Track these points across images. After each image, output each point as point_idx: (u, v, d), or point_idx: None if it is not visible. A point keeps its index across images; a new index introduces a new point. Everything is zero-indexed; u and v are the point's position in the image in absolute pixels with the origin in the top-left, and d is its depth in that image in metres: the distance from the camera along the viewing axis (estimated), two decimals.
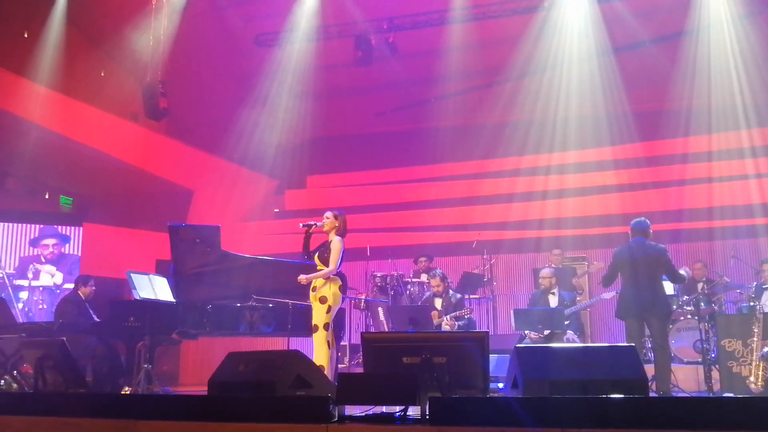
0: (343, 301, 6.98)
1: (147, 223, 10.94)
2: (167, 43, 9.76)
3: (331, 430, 3.82)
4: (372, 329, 9.39)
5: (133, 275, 7.18)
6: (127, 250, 10.80)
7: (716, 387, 6.98)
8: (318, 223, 6.79)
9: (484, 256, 9.80)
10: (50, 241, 10.59)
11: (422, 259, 9.87)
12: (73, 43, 9.71)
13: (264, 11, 10.64)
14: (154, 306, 7.07)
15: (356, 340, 9.19)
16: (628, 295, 6.79)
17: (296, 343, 7.91)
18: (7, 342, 6.99)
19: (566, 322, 7.92)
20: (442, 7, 10.05)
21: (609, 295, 8.10)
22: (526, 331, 7.84)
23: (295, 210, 12.21)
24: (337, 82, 11.25)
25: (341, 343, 8.38)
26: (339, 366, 7.79)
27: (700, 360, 7.40)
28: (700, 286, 8.61)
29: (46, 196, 10.68)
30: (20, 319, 9.33)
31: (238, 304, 7.47)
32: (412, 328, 7.89)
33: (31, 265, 10.41)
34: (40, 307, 10.11)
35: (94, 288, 8.22)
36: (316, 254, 6.72)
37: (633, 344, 5.38)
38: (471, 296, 9.35)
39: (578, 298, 8.94)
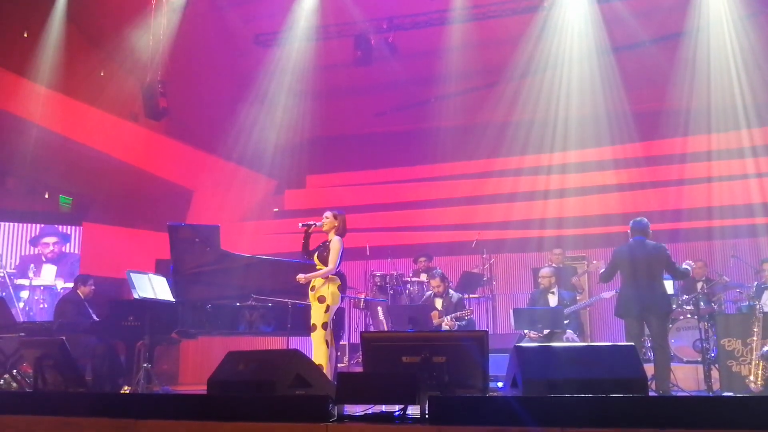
0: (342, 301, 6.98)
1: (146, 223, 10.94)
2: (167, 43, 9.76)
3: (330, 430, 3.82)
4: (371, 329, 9.39)
5: (132, 275, 7.18)
6: (126, 249, 10.80)
7: (716, 386, 6.98)
8: (317, 223, 6.79)
9: (484, 256, 9.80)
10: (51, 240, 10.58)
11: (422, 258, 9.87)
12: (72, 43, 9.71)
13: (264, 11, 10.65)
14: (153, 305, 7.07)
15: (356, 339, 9.19)
16: (628, 294, 6.79)
17: (296, 343, 7.90)
18: (7, 341, 6.99)
19: (566, 322, 7.92)
20: (442, 6, 10.06)
21: (608, 294, 8.10)
22: (526, 331, 7.84)
23: (295, 210, 12.22)
24: (337, 82, 11.26)
25: (340, 343, 8.39)
26: (338, 365, 7.80)
27: (699, 359, 7.40)
28: (699, 285, 8.61)
29: (46, 196, 10.68)
30: (21, 319, 9.33)
31: (238, 304, 7.47)
32: (412, 328, 7.89)
33: (32, 264, 10.41)
34: (41, 306, 10.10)
35: (93, 287, 8.21)
36: (316, 254, 6.72)
37: (632, 343, 5.38)
38: (470, 296, 9.35)
39: (578, 297, 8.93)
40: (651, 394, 5.63)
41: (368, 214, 11.66)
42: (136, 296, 7.06)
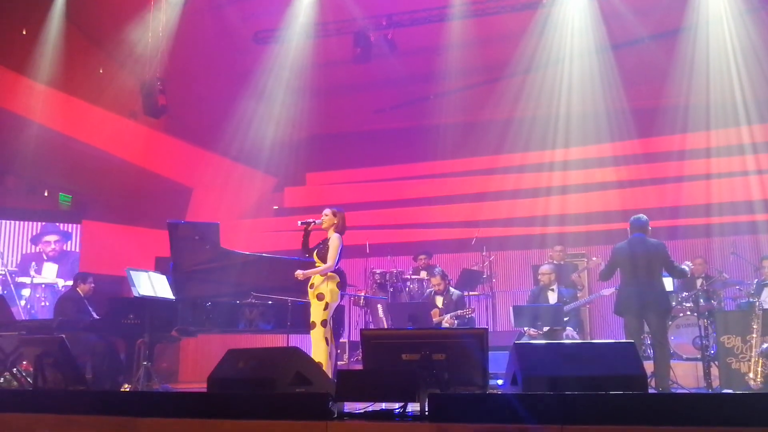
0: (342, 298, 6.98)
1: (146, 221, 10.93)
2: (166, 41, 9.74)
3: (330, 427, 3.82)
4: (371, 326, 9.39)
5: (132, 272, 7.18)
6: (126, 247, 10.80)
7: (715, 383, 7.00)
8: (317, 221, 6.79)
9: (484, 253, 9.80)
10: (52, 238, 10.60)
11: (422, 256, 9.87)
12: (71, 40, 9.69)
13: (262, 8, 10.62)
14: (153, 303, 7.08)
15: (355, 337, 9.20)
16: (628, 292, 6.79)
17: (296, 340, 7.91)
18: (7, 339, 6.99)
19: (565, 319, 7.93)
20: (441, 3, 10.04)
21: (608, 291, 8.11)
22: (526, 328, 7.85)
23: (294, 207, 12.22)
24: (336, 79, 11.24)
25: (340, 340, 8.39)
26: (338, 363, 7.80)
27: (699, 356, 7.42)
28: (699, 282, 8.62)
29: (45, 194, 10.68)
30: (23, 316, 9.34)
31: (237, 301, 7.47)
32: (412, 325, 7.89)
33: (33, 263, 10.41)
34: (43, 304, 10.11)
35: (93, 285, 8.22)
36: (315, 251, 6.72)
37: (632, 341, 5.39)
38: (470, 293, 9.36)
39: (578, 294, 8.94)
40: (651, 391, 5.64)
41: (368, 211, 11.66)
42: (135, 294, 7.06)
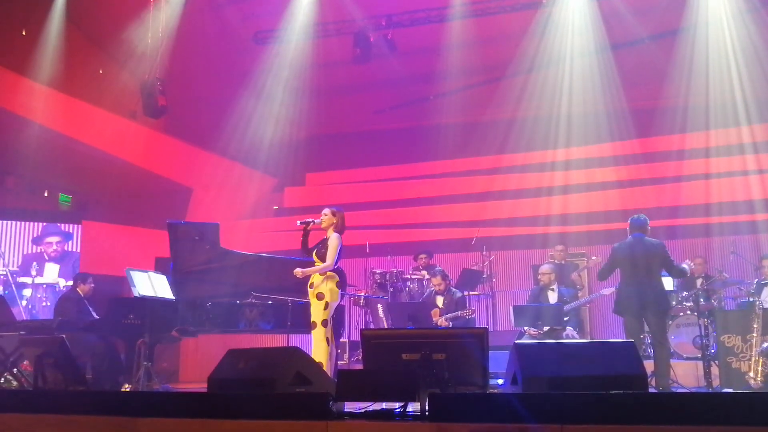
0: (342, 298, 6.98)
1: (146, 221, 10.93)
2: (166, 41, 9.75)
3: (330, 427, 3.82)
4: (371, 326, 9.40)
5: (132, 272, 7.18)
6: (126, 247, 10.79)
7: (715, 383, 6.99)
8: (316, 220, 6.79)
9: (484, 253, 9.80)
10: (54, 239, 10.60)
11: (422, 256, 9.88)
12: (71, 41, 9.69)
13: (262, 9, 10.62)
14: (153, 303, 7.07)
15: (356, 336, 9.20)
16: (627, 292, 6.80)
17: (296, 340, 7.91)
18: (7, 339, 7.00)
19: (566, 319, 7.93)
20: (441, 4, 10.04)
21: (608, 291, 8.11)
22: (526, 328, 7.85)
23: (294, 207, 12.21)
24: (336, 80, 11.24)
25: (341, 340, 8.39)
26: (339, 363, 7.80)
27: (699, 356, 7.42)
28: (699, 282, 8.61)
29: (45, 194, 10.68)
30: (24, 317, 9.34)
31: (238, 301, 7.47)
32: (412, 325, 7.90)
33: (35, 263, 10.42)
34: (44, 304, 10.11)
35: (92, 285, 8.22)
36: (315, 251, 6.72)
37: (632, 340, 5.39)
38: (470, 293, 9.36)
39: (578, 294, 8.94)
40: (651, 390, 5.64)
41: (368, 211, 11.66)
42: (135, 294, 7.06)
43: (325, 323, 6.53)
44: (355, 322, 9.61)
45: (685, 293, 8.52)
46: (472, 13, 10.03)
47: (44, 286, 10.32)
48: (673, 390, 6.62)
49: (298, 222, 6.86)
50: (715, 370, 7.13)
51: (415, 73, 11.09)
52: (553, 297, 8.31)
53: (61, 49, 9.56)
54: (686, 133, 10.52)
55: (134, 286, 7.08)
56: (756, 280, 8.28)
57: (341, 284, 6.76)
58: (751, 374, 6.78)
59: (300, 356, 4.72)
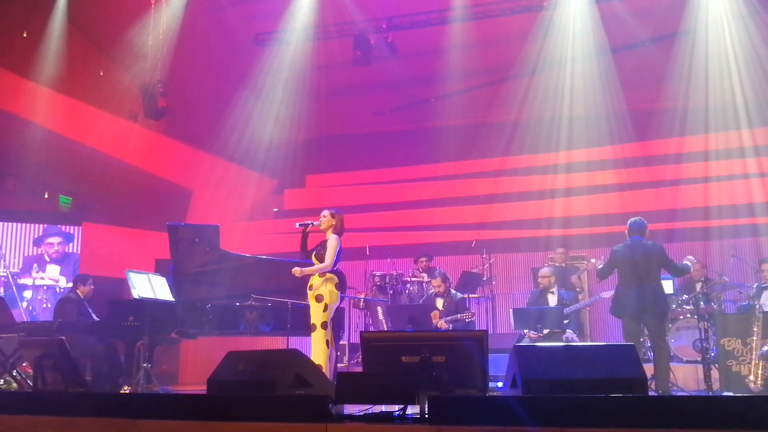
0: (341, 300, 6.98)
1: (146, 223, 10.93)
2: (166, 43, 9.76)
3: (330, 429, 3.81)
4: (371, 328, 9.40)
5: (132, 274, 7.18)
6: (126, 249, 10.80)
7: (715, 386, 6.99)
8: (314, 222, 6.79)
9: (484, 256, 9.80)
10: (55, 240, 10.59)
11: (423, 258, 9.88)
12: (72, 42, 9.70)
13: (263, 11, 10.63)
14: (153, 305, 7.07)
15: (355, 339, 9.20)
16: (626, 294, 6.80)
17: (296, 343, 7.91)
18: (7, 341, 6.99)
19: (565, 321, 7.93)
20: (441, 6, 10.05)
21: (608, 294, 8.10)
22: (525, 331, 7.85)
23: (294, 209, 12.22)
24: (336, 82, 11.25)
25: (340, 343, 8.39)
26: (338, 365, 7.80)
27: (699, 359, 7.41)
28: (699, 285, 8.61)
29: (46, 196, 10.67)
30: (24, 318, 9.34)
31: (238, 304, 7.47)
32: (412, 328, 7.90)
33: (35, 264, 10.41)
34: (44, 306, 10.10)
35: (92, 287, 8.21)
36: (314, 253, 6.72)
37: (632, 343, 5.38)
38: (470, 295, 9.36)
39: (578, 297, 8.93)
40: (651, 393, 5.63)
41: (368, 213, 11.67)
42: (135, 296, 7.06)
43: (324, 325, 6.52)
44: (354, 325, 9.61)
45: (685, 296, 8.52)
46: (472, 15, 10.04)
47: (45, 287, 10.32)
48: (673, 393, 6.61)
49: (297, 224, 6.86)
50: (715, 373, 7.13)
51: (416, 76, 11.11)
52: (553, 300, 8.31)
53: (62, 51, 9.58)
54: (687, 136, 10.52)
55: (134, 287, 7.08)
56: (756, 284, 8.28)
57: (341, 286, 6.75)
58: (751, 377, 6.78)
59: (299, 358, 4.72)
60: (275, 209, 12.59)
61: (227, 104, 10.90)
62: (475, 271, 9.84)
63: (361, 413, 4.10)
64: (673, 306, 8.41)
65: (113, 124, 10.42)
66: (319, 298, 6.56)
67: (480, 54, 10.41)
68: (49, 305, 10.00)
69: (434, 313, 8.24)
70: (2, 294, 9.60)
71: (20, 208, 10.49)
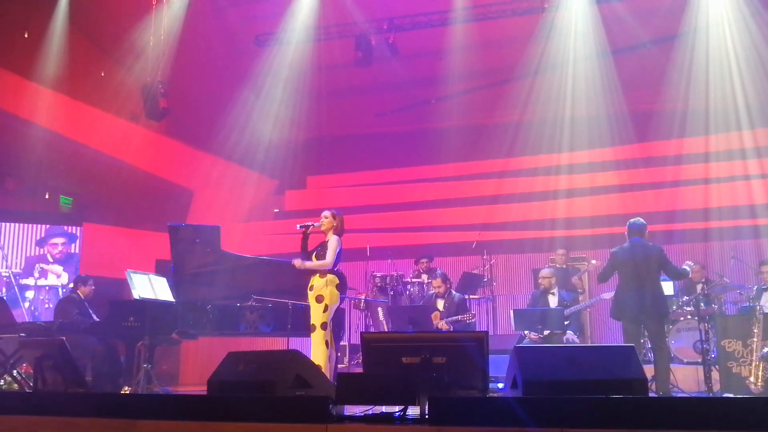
0: (342, 301, 6.98)
1: (147, 223, 10.93)
2: (167, 44, 9.76)
3: (330, 430, 3.81)
4: (372, 329, 9.40)
5: (132, 275, 7.18)
6: (126, 250, 10.80)
7: (716, 387, 6.98)
8: (315, 224, 6.79)
9: (484, 257, 9.80)
10: (59, 240, 10.59)
11: (423, 260, 9.88)
12: (73, 43, 9.71)
13: (264, 11, 10.62)
14: (153, 306, 7.07)
15: (356, 340, 9.19)
16: (625, 296, 6.80)
17: (296, 343, 7.91)
18: (7, 341, 6.99)
19: (566, 323, 7.92)
20: (442, 8, 10.05)
21: (609, 295, 8.09)
22: (526, 332, 7.84)
23: (295, 210, 12.22)
24: (337, 83, 11.25)
25: (341, 343, 8.39)
26: (339, 366, 7.80)
27: (700, 360, 7.40)
28: (699, 287, 8.60)
29: (46, 196, 10.67)
30: (26, 318, 9.34)
31: (238, 304, 7.47)
32: (412, 328, 7.89)
33: (38, 265, 10.41)
34: (46, 306, 10.08)
35: (93, 288, 8.21)
36: (314, 254, 6.73)
37: (633, 344, 5.38)
38: (471, 296, 9.36)
39: (579, 298, 8.93)
40: (651, 395, 5.63)
41: (369, 214, 11.67)
42: (136, 296, 7.06)
43: (324, 326, 6.53)
44: (355, 326, 9.61)
45: (685, 297, 8.52)
46: (473, 17, 10.03)
47: (47, 288, 10.32)
48: (674, 394, 6.61)
49: (298, 226, 6.86)
50: (715, 374, 7.12)
51: (417, 77, 11.11)
52: (553, 301, 8.31)
53: (63, 52, 9.58)
54: (688, 138, 10.51)
55: (134, 288, 7.08)
56: (756, 286, 8.27)
57: (341, 287, 6.75)
58: (752, 379, 6.77)
59: (300, 359, 4.72)
60: (276, 210, 12.59)
61: (228, 105, 10.90)
62: (475, 272, 9.84)
63: (362, 414, 4.10)
64: (674, 307, 8.41)
65: (114, 125, 10.42)
66: (319, 299, 6.56)
67: (481, 55, 10.41)
68: (51, 306, 10.00)
69: (435, 314, 8.24)
70: (4, 294, 9.61)
71: (21, 209, 10.49)
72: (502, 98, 10.89)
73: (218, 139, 11.00)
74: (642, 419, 3.54)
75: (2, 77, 9.47)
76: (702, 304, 8.07)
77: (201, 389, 5.07)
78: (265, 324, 7.48)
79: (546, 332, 7.73)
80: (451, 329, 8.00)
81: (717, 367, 7.19)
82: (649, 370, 5.83)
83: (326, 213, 6.82)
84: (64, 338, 5.98)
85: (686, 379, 7.51)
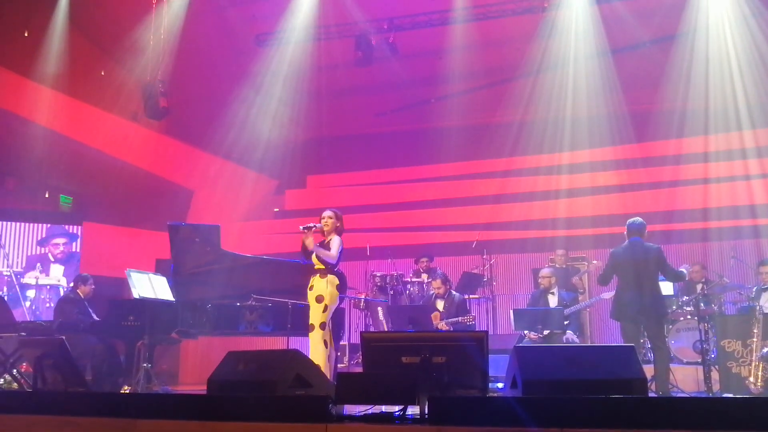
0: (341, 301, 6.98)
1: (147, 223, 10.93)
2: (168, 43, 9.75)
3: (330, 430, 3.81)
4: (371, 329, 9.39)
5: (132, 274, 7.18)
6: (126, 249, 10.79)
7: (715, 387, 6.98)
8: (318, 225, 6.78)
9: (484, 256, 9.80)
10: (60, 240, 10.59)
11: (423, 259, 9.88)
12: (73, 42, 9.70)
13: (264, 11, 10.63)
14: (153, 305, 7.07)
15: (356, 339, 9.20)
16: (624, 297, 6.80)
17: (296, 343, 7.90)
18: (7, 341, 6.99)
19: (566, 322, 7.93)
20: (442, 7, 10.05)
21: (609, 295, 8.10)
22: (526, 331, 7.84)
23: (295, 210, 12.23)
24: (338, 82, 11.25)
25: (340, 343, 8.39)
26: (338, 365, 7.80)
27: (699, 360, 7.40)
28: (699, 287, 8.60)
29: (46, 196, 10.67)
30: (27, 318, 9.33)
31: (238, 304, 7.47)
32: (412, 328, 7.89)
33: (39, 264, 10.41)
34: (47, 305, 10.07)
35: (93, 287, 8.21)
36: (314, 254, 6.72)
37: (632, 344, 5.38)
38: (470, 296, 9.36)
39: (579, 298, 8.93)
40: (651, 395, 5.63)
41: (368, 214, 11.67)
42: (135, 296, 7.06)
43: (323, 326, 6.53)
44: (355, 325, 9.61)
45: (685, 297, 8.52)
46: (473, 16, 10.03)
47: (48, 287, 10.32)
48: (673, 394, 6.61)
49: (301, 227, 6.82)
50: (715, 374, 7.12)
51: (417, 76, 11.11)
52: (553, 301, 8.31)
53: (63, 51, 9.57)
54: (689, 138, 10.51)
55: (134, 287, 7.08)
56: (755, 287, 8.27)
57: (341, 288, 6.76)
58: (751, 379, 6.77)
59: (300, 359, 4.72)
60: (276, 209, 12.59)
61: (228, 104, 10.90)
62: (475, 271, 9.84)
63: (361, 414, 4.10)
64: (674, 307, 8.41)
65: (114, 124, 10.42)
66: (319, 299, 6.57)
67: (481, 55, 10.41)
68: (52, 305, 9.99)
69: (434, 314, 8.24)
70: (5, 293, 9.61)
71: (21, 208, 10.49)
72: (501, 98, 10.90)
73: (218, 138, 11.00)
74: (642, 419, 3.54)
75: (2, 76, 9.46)
76: (702, 304, 8.07)
77: (201, 389, 5.07)
78: (265, 323, 7.48)
79: (546, 332, 7.73)
80: (451, 330, 8.00)
81: (717, 367, 7.19)
82: (648, 370, 5.82)
83: (329, 213, 6.81)
84: (64, 337, 5.99)
85: (686, 379, 7.51)
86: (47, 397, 5.03)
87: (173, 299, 7.35)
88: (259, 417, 4.01)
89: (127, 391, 6.85)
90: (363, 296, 9.57)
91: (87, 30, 10.17)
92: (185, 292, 7.46)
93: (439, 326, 8.10)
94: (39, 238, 10.53)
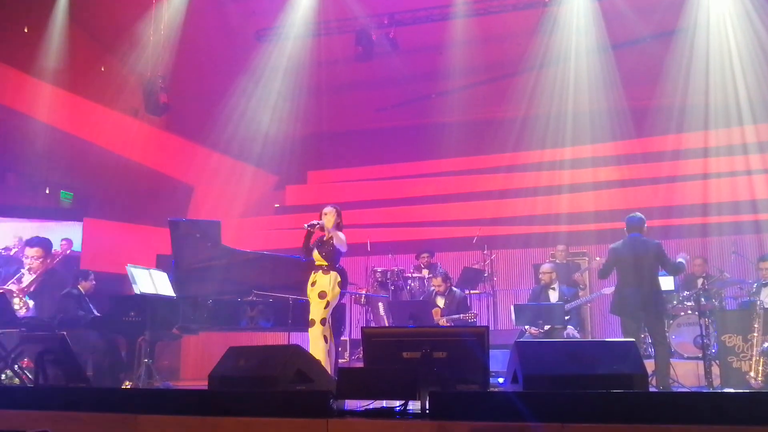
0: (343, 297, 6.98)
1: (147, 218, 10.93)
2: (168, 38, 9.75)
3: (331, 425, 3.82)
4: (372, 324, 9.40)
5: (133, 269, 7.18)
6: (127, 245, 10.79)
7: (716, 382, 6.99)
8: (320, 222, 6.76)
9: (485, 252, 9.80)
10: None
11: (424, 255, 9.88)
12: (74, 38, 9.69)
13: (264, 6, 10.61)
14: (154, 301, 7.08)
15: (356, 335, 9.20)
16: (623, 293, 6.79)
17: (297, 338, 7.91)
18: (8, 336, 7.00)
19: (567, 318, 7.93)
20: (443, 2, 10.04)
21: (609, 290, 8.09)
22: (526, 327, 7.85)
23: (296, 205, 12.23)
24: (338, 78, 11.23)
25: (341, 338, 8.39)
26: (339, 361, 7.80)
27: (700, 355, 7.40)
28: (700, 281, 8.60)
29: (47, 192, 10.66)
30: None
31: (239, 299, 7.47)
32: (413, 323, 7.89)
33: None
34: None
35: (94, 282, 8.21)
36: (315, 249, 6.72)
37: (633, 339, 5.38)
38: (471, 291, 9.36)
39: (580, 293, 8.93)
40: (651, 389, 5.64)
41: (369, 209, 11.67)
42: (136, 291, 7.06)
43: (323, 321, 6.54)
44: (356, 320, 9.61)
45: (686, 293, 8.51)
46: (474, 12, 10.02)
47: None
48: (674, 389, 6.62)
49: (305, 225, 6.79)
50: (715, 369, 7.13)
51: (417, 72, 11.09)
52: (554, 296, 8.31)
53: (63, 46, 9.57)
54: (689, 133, 10.50)
55: (135, 283, 7.08)
56: (755, 283, 8.26)
57: (343, 283, 6.77)
58: (752, 374, 6.78)
59: (301, 354, 4.72)
60: (276, 205, 12.59)
61: (228, 100, 10.89)
62: (476, 267, 9.84)
63: (362, 409, 4.11)
64: (674, 302, 8.41)
65: (114, 120, 10.42)
66: (321, 295, 6.57)
67: (481, 50, 10.39)
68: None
69: (435, 310, 8.24)
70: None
71: (21, 204, 10.48)
72: (502, 93, 10.88)
73: (218, 134, 11.00)
74: (642, 414, 3.55)
75: (2, 72, 9.45)
76: (702, 299, 8.06)
77: (202, 384, 5.08)
78: (266, 319, 7.48)
79: (546, 327, 7.74)
80: (452, 326, 8.00)
81: (717, 362, 7.20)
82: (649, 365, 5.82)
83: (330, 209, 6.80)
84: (65, 333, 5.99)
85: (686, 374, 7.52)
86: (48, 393, 5.04)
87: (174, 295, 7.35)
88: (260, 412, 4.01)
89: (129, 387, 6.86)
90: (364, 292, 9.58)
91: (87, 25, 10.16)
92: (186, 288, 7.47)
93: (440, 323, 8.10)
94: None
